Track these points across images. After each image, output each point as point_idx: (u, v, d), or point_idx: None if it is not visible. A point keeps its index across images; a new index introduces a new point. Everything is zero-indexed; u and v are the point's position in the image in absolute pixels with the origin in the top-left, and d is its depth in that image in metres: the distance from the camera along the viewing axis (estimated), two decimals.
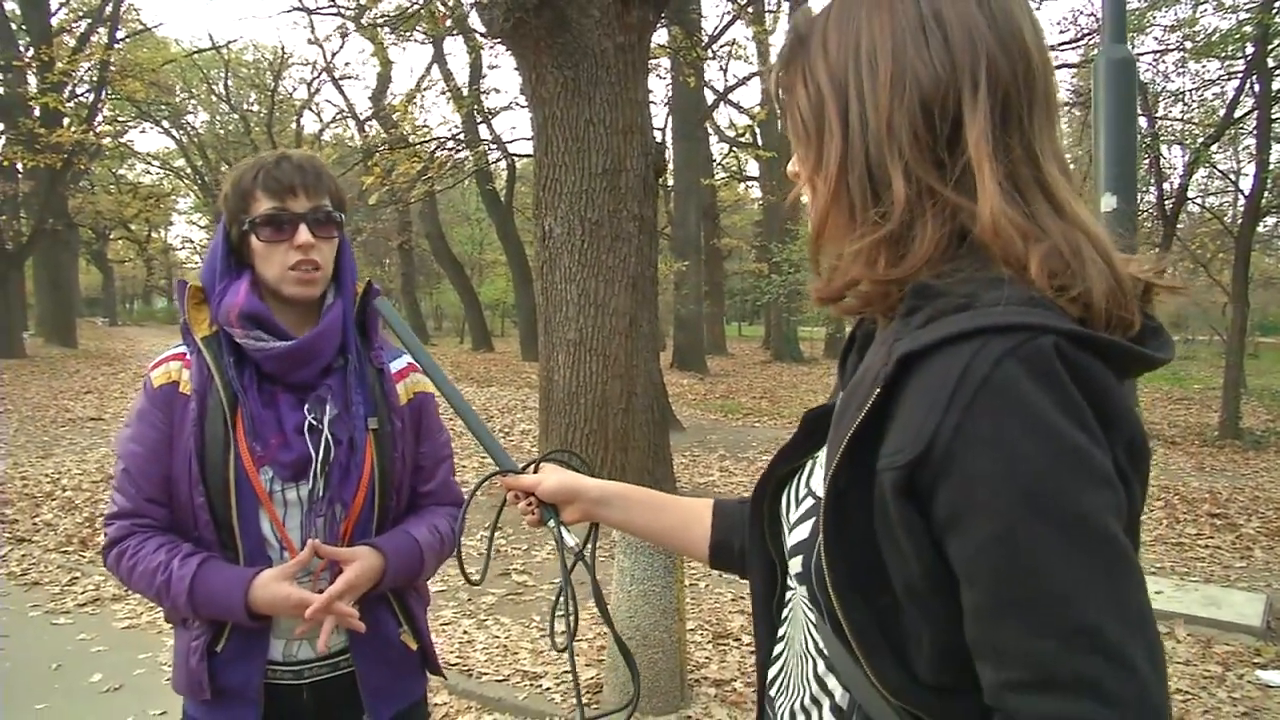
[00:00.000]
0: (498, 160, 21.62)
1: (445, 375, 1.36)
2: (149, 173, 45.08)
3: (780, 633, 0.99)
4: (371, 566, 1.56)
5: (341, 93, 48.38)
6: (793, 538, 0.88)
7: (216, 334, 1.58)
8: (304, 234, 1.56)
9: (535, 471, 1.28)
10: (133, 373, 18.63)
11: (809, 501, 0.88)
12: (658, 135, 7.66)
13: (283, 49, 54.84)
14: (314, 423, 1.57)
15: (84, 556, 5.96)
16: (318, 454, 1.56)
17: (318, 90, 48.15)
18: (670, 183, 21.13)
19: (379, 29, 14.95)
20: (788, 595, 0.98)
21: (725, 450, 10.09)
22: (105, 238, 42.60)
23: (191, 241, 55.09)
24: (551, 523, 1.24)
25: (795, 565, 0.87)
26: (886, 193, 0.79)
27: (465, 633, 4.50)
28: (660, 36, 11.50)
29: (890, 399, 0.74)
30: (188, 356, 1.60)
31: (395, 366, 1.72)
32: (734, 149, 30.43)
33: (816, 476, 0.90)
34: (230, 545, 1.54)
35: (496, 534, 6.95)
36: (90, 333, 32.74)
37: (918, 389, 0.72)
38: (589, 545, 1.26)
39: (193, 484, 1.53)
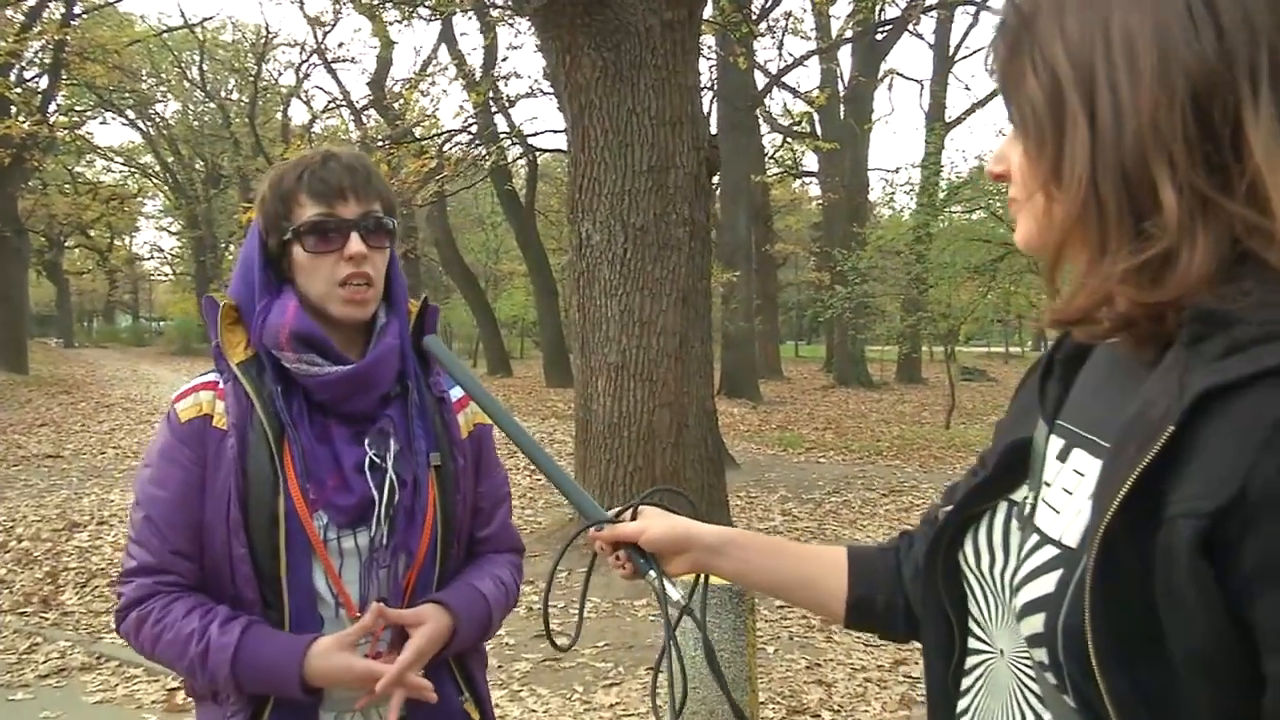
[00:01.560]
0: (519, 157, 21.89)
1: (517, 422, 1.40)
2: (111, 171, 45.97)
3: (964, 705, 0.98)
4: (441, 628, 1.59)
5: (335, 78, 49.36)
6: (1025, 594, 0.85)
7: (255, 358, 1.60)
8: (355, 243, 1.57)
9: (634, 517, 1.28)
10: (94, 402, 19.01)
11: (1047, 551, 0.85)
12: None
13: (266, 28, 56.07)
14: (376, 460, 1.59)
15: (46, 618, 5.91)
16: (382, 496, 1.57)
17: (307, 75, 49.01)
18: (715, 180, 21.24)
19: (379, 5, 15.25)
20: (971, 661, 0.97)
21: (787, 490, 10.10)
22: (60, 246, 43.38)
23: (161, 250, 56.21)
24: (652, 574, 1.25)
25: (1029, 626, 0.84)
26: (1147, 201, 0.78)
27: (497, 705, 4.55)
28: (705, 10, 11.62)
29: (1182, 438, 0.73)
30: (221, 385, 1.60)
31: (455, 394, 1.76)
32: (789, 140, 30.55)
33: (1050, 521, 0.87)
34: (274, 603, 1.55)
35: (525, 585, 7.01)
36: (43, 355, 33.39)
37: (1223, 428, 0.71)
38: (693, 596, 1.28)
39: (232, 532, 1.53)
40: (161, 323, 59.85)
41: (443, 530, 1.65)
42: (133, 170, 44.72)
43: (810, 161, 32.37)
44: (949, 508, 1.01)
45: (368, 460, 1.59)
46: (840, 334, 24.64)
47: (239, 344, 1.63)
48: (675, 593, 1.25)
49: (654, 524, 1.26)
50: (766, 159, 29.32)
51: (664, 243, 6.24)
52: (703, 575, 1.30)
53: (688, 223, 6.31)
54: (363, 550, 1.59)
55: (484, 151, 16.93)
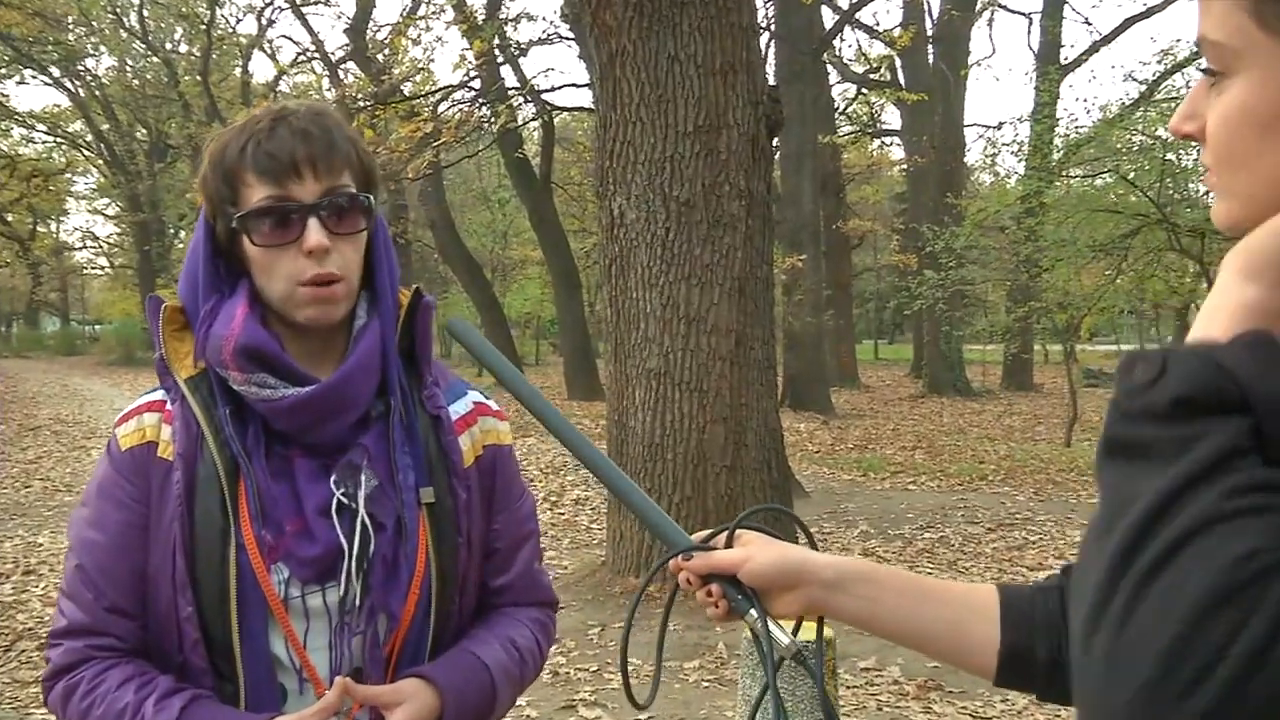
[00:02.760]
0: (533, 119, 21.98)
1: (570, 425, 1.41)
2: (32, 141, 46.58)
3: None
4: (423, 709, 1.56)
5: (306, 25, 49.40)
6: None
7: (204, 373, 1.60)
8: (315, 233, 1.54)
9: (729, 544, 1.28)
10: (16, 424, 19.28)
11: None
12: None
13: None
14: (344, 500, 1.57)
15: None
16: (352, 545, 1.56)
17: (272, 22, 49.52)
18: (776, 143, 21.24)
19: None
20: None
21: (869, 525, 10.10)
22: None
23: (96, 238, 56.84)
24: (753, 614, 1.24)
25: None
26: None
27: None
28: None
29: None
30: (168, 406, 1.60)
31: (457, 410, 1.74)
32: (865, 91, 30.51)
33: None
34: (228, 674, 1.54)
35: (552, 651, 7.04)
36: None
37: None
38: (808, 641, 1.27)
39: (177, 587, 1.53)
40: (97, 326, 60.37)
41: (438, 584, 1.63)
42: (59, 140, 45.32)
43: (892, 117, 32.33)
44: None
45: (334, 501, 1.57)
46: (931, 330, 24.50)
47: (187, 355, 1.62)
48: (784, 637, 1.25)
49: (759, 553, 1.25)
50: (837, 115, 29.30)
51: (715, 220, 6.28)
52: (818, 618, 1.29)
53: (743, 195, 6.34)
54: (333, 611, 1.57)
55: (489, 112, 17.01)
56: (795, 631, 1.29)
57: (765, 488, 6.52)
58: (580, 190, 29.65)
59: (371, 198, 1.63)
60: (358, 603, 1.56)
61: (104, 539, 1.57)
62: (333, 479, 1.58)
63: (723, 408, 6.32)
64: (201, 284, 1.61)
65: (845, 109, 31.71)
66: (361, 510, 1.57)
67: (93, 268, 61.56)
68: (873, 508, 11.10)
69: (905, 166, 28.69)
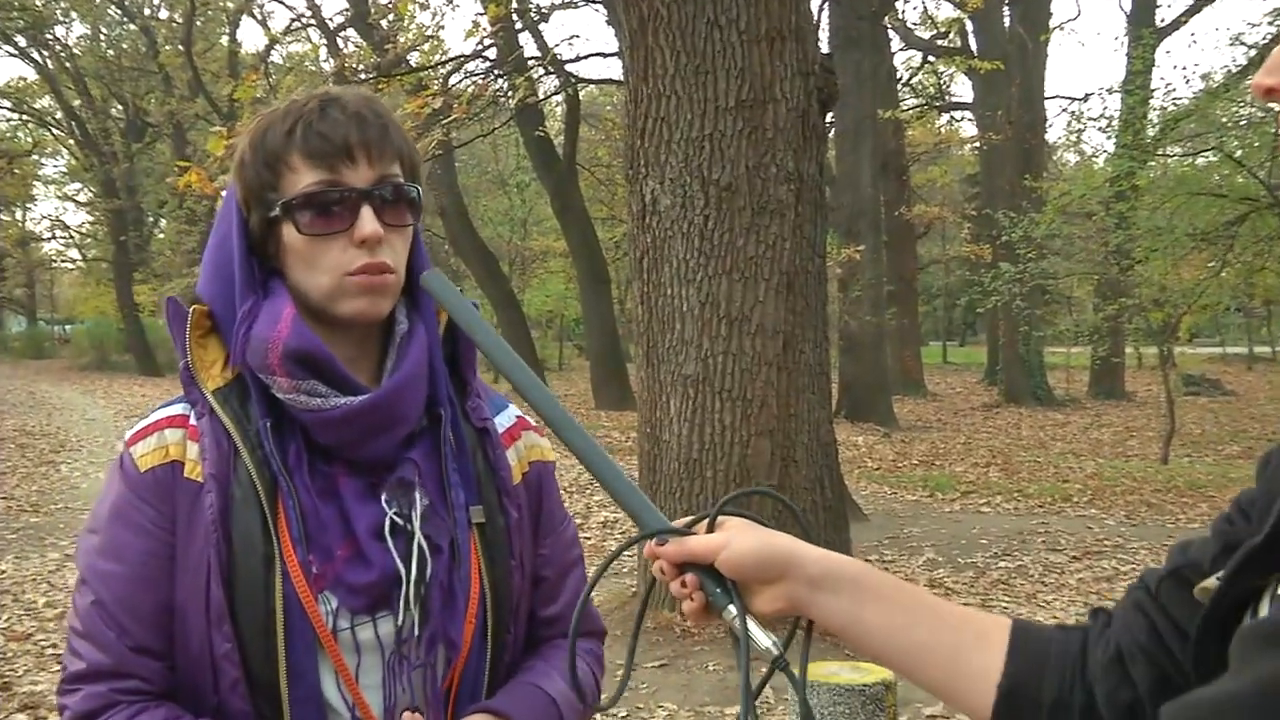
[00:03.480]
0: (555, 92, 22.01)
1: (543, 385, 1.41)
2: None
3: None
4: None
5: None
6: None
7: (236, 382, 1.63)
8: (368, 221, 1.58)
9: (711, 529, 1.28)
10: None
11: None
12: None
13: None
14: (398, 520, 1.60)
15: None
16: (409, 570, 1.59)
17: None
18: (830, 118, 21.18)
19: None
20: None
21: (936, 552, 10.07)
22: None
23: (66, 228, 57.31)
24: (732, 611, 1.24)
25: None
26: None
27: None
28: None
29: None
30: (193, 421, 1.62)
31: (501, 424, 1.79)
32: (931, 60, 30.42)
33: None
34: (271, 716, 1.56)
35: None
36: None
37: None
38: (788, 646, 1.25)
39: (213, 621, 1.54)
40: (67, 326, 60.91)
41: (493, 610, 1.67)
42: (25, 118, 45.77)
43: (962, 89, 32.22)
44: (1216, 578, 0.98)
45: (388, 522, 1.60)
46: (1008, 331, 24.40)
47: (215, 364, 1.64)
48: (765, 638, 1.22)
49: (739, 539, 1.24)
50: (900, 87, 29.23)
51: (760, 207, 6.28)
52: (808, 624, 1.28)
53: (792, 178, 6.33)
54: (387, 643, 1.60)
55: (505, 84, 17.06)
56: (790, 639, 1.27)
57: (817, 510, 6.52)
58: (609, 173, 29.67)
59: (421, 189, 1.68)
60: (416, 632, 1.59)
61: (124, 570, 1.58)
62: (384, 497, 1.60)
63: (769, 419, 6.32)
64: (239, 281, 1.63)
65: (909, 80, 31.64)
66: (418, 532, 1.60)
67: (63, 260, 61.98)
68: (940, 533, 11.07)
69: (978, 145, 28.57)
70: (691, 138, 6.29)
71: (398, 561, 1.59)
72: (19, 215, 57.78)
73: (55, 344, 56.22)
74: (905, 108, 28.71)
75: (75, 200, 54.92)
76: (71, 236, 57.47)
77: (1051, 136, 26.79)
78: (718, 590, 1.25)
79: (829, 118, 6.84)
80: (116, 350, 40.85)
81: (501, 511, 1.71)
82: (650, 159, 6.42)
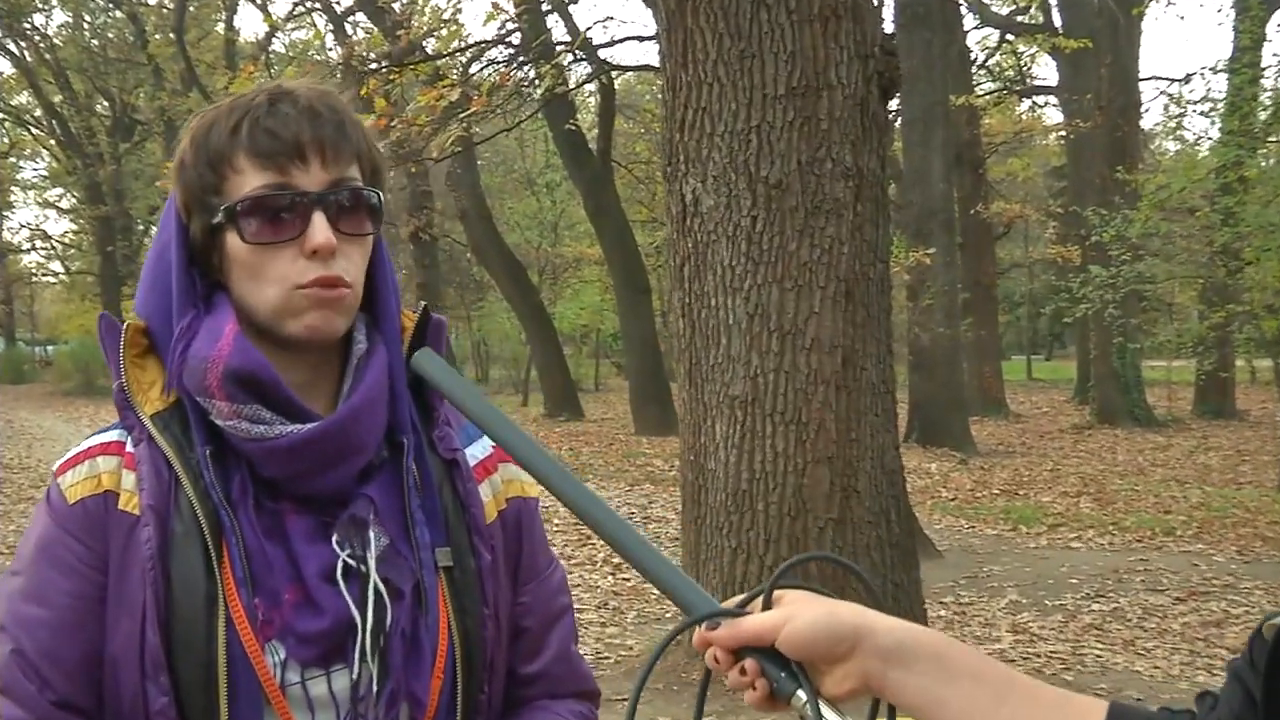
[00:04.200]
0: (586, 80, 22.03)
1: (571, 476, 1.40)
2: None
3: None
4: None
5: None
6: None
7: (176, 406, 1.62)
8: (320, 230, 1.57)
9: (768, 606, 1.27)
10: None
11: None
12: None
13: None
14: (351, 562, 1.60)
15: None
16: (364, 617, 1.58)
17: None
18: (894, 105, 21.12)
19: None
20: None
21: (1019, 593, 10.01)
22: None
23: (47, 238, 58.01)
24: (801, 697, 1.22)
25: None
26: None
27: None
28: None
29: None
30: (128, 448, 1.62)
31: (474, 455, 1.78)
32: (1010, 38, 30.33)
33: None
34: None
35: None
36: None
37: None
38: None
39: (148, 671, 1.53)
40: (49, 347, 61.48)
41: (463, 664, 1.66)
42: (1, 116, 46.27)
43: (1046, 71, 32.06)
44: None
45: (340, 564, 1.59)
46: (1100, 343, 24.25)
47: (153, 386, 1.65)
48: None
49: (800, 614, 1.22)
50: (975, 70, 29.15)
51: (814, 206, 6.27)
52: (890, 710, 1.25)
53: (851, 174, 6.32)
54: (342, 700, 1.59)
55: (532, 73, 17.12)
56: None
57: (883, 546, 6.48)
58: (648, 170, 29.79)
59: (383, 194, 1.68)
60: (375, 686, 1.57)
61: (48, 615, 1.57)
62: (334, 538, 1.59)
63: (827, 444, 6.29)
64: (176, 295, 1.63)
65: (985, 61, 31.57)
66: (373, 575, 1.59)
67: (44, 274, 62.60)
68: (1025, 571, 11.01)
69: (1063, 133, 28.45)
70: (736, 130, 6.29)
71: (352, 607, 1.58)
72: None
73: (36, 367, 56.74)
74: (981, 93, 28.66)
75: (57, 207, 55.48)
76: (53, 247, 58.08)
77: (1147, 123, 26.68)
78: (782, 674, 1.22)
79: (893, 105, 6.81)
80: (103, 374, 41.05)
81: (472, 553, 1.69)
82: (691, 154, 6.42)
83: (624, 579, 10.46)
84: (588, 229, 30.50)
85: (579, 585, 10.34)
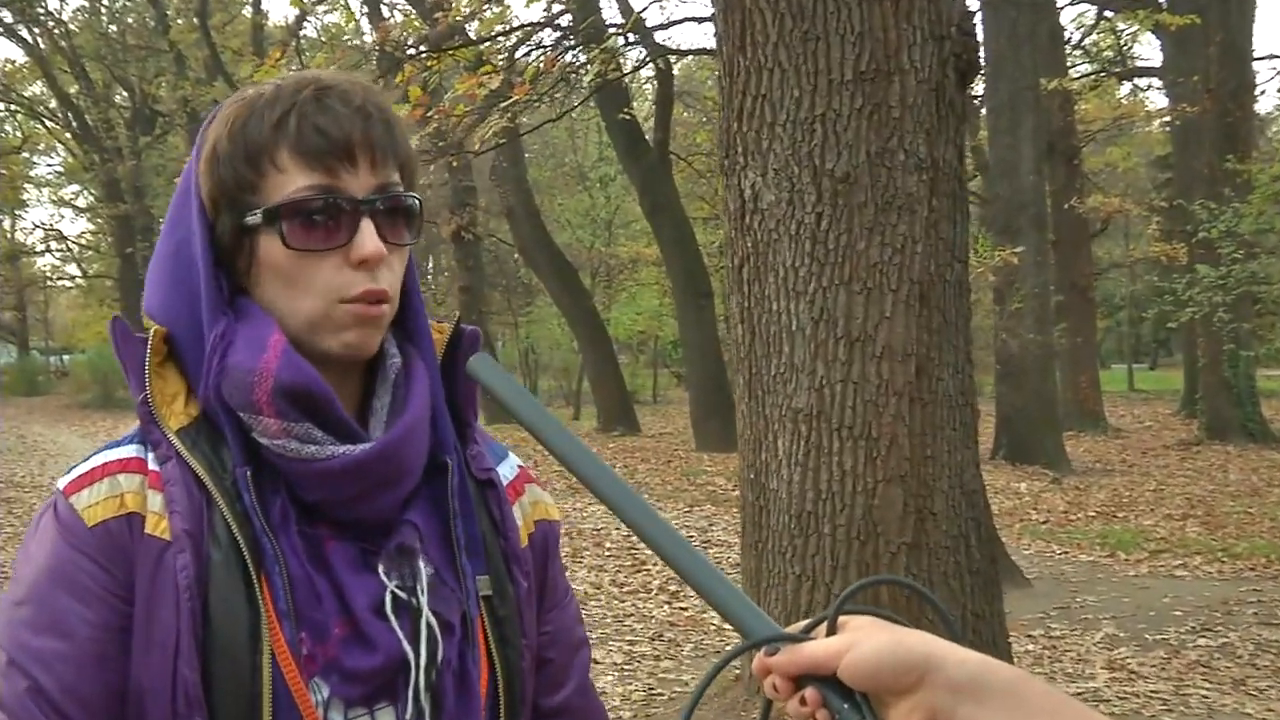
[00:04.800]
0: (641, 65, 22.05)
1: (625, 485, 1.41)
2: None
3: None
4: None
5: None
6: None
7: (201, 419, 1.62)
8: (370, 238, 1.59)
9: (832, 631, 1.28)
10: None
11: None
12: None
13: None
14: (400, 593, 1.61)
15: None
16: (418, 651, 1.60)
17: None
18: (979, 90, 21.05)
19: None
20: None
21: (1116, 626, 9.97)
22: None
23: (63, 238, 58.63)
24: None
25: None
26: None
27: None
28: None
29: None
30: (151, 465, 1.62)
31: (505, 474, 1.82)
32: (1107, 15, 30.12)
33: None
34: None
35: None
36: None
37: None
38: None
39: (181, 710, 1.52)
40: (65, 357, 62.11)
41: (505, 699, 1.69)
42: (13, 108, 46.83)
43: (1148, 51, 31.81)
44: None
45: (389, 596, 1.60)
46: (1210, 350, 24.04)
47: (176, 398, 1.65)
48: None
49: (865, 641, 1.23)
50: (1069, 50, 28.96)
51: (885, 202, 6.25)
52: None
53: (925, 166, 6.30)
54: None
55: (582, 58, 17.15)
56: None
57: (961, 573, 6.44)
58: (710, 163, 29.70)
59: (420, 202, 1.70)
60: None
61: (68, 647, 1.54)
62: (380, 568, 1.61)
63: (899, 462, 6.27)
64: (207, 299, 1.63)
65: (1080, 41, 31.37)
66: (426, 608, 1.61)
67: (59, 278, 63.25)
68: (1123, 602, 10.97)
69: (1168, 119, 28.23)
70: (800, 119, 6.28)
71: (405, 644, 1.59)
72: (7, 225, 59.12)
73: (51, 377, 57.31)
74: (1075, 76, 28.47)
75: (73, 205, 56.10)
76: (69, 249, 58.68)
77: (1262, 107, 26.39)
78: (845, 706, 1.22)
79: (977, 90, 6.77)
80: (123, 384, 41.50)
81: (511, 580, 1.72)
82: (750, 146, 6.42)
83: (680, 608, 10.48)
84: (644, 227, 30.53)
85: (632, 615, 10.38)
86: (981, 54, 20.02)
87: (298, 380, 1.57)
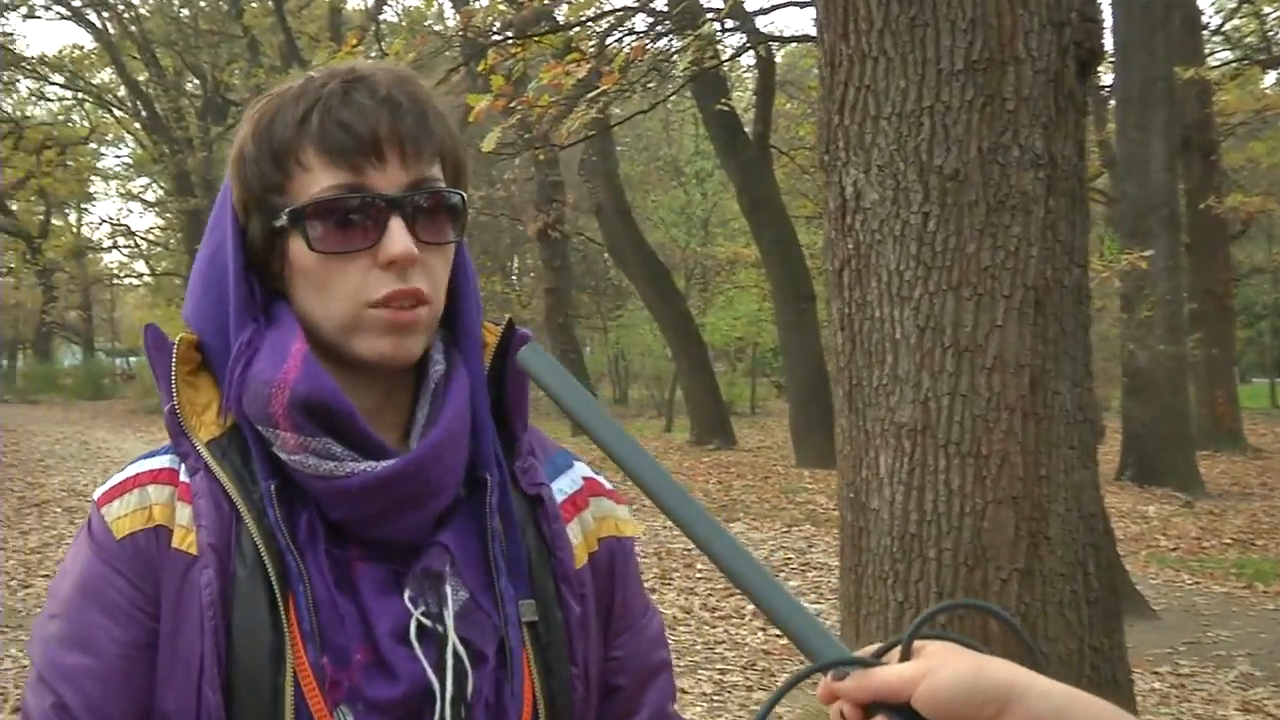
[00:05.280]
0: (740, 52, 22.09)
1: (684, 493, 1.40)
2: (44, 99, 48.88)
3: None
4: None
5: None
6: None
7: (233, 431, 1.66)
8: (399, 237, 1.60)
9: (906, 656, 1.28)
10: (16, 497, 20.20)
11: None
12: None
13: None
14: (425, 620, 1.62)
15: None
16: (443, 682, 1.60)
17: None
18: (1108, 81, 20.85)
19: None
20: None
21: (1253, 664, 9.87)
22: None
23: (131, 234, 59.42)
24: None
25: None
26: None
27: None
28: None
29: None
30: (182, 477, 1.66)
31: (562, 489, 1.81)
32: None
33: None
34: None
35: None
36: None
37: None
38: None
39: None
40: (131, 359, 62.80)
41: None
42: (80, 96, 47.51)
43: None
44: None
45: (413, 623, 1.61)
46: None
47: (208, 408, 1.68)
48: None
49: (941, 668, 1.22)
50: (1207, 36, 28.65)
51: (997, 201, 6.22)
52: None
53: (1041, 163, 6.26)
54: None
55: (676, 44, 17.18)
56: None
57: (1079, 603, 6.38)
58: (813, 157, 29.63)
59: (465, 196, 1.70)
60: None
61: (95, 664, 1.58)
62: (406, 593, 1.62)
63: (1011, 482, 6.23)
64: (234, 306, 1.65)
65: (1220, 27, 31.01)
66: (452, 636, 1.61)
67: (126, 275, 64.05)
68: (1260, 638, 10.85)
69: None
70: (906, 112, 6.26)
71: (429, 673, 1.59)
72: (73, 219, 59.91)
73: (116, 381, 57.97)
74: (1214, 64, 28.15)
75: (141, 199, 56.91)
76: (137, 245, 59.44)
77: None
78: None
79: (1106, 80, 6.71)
80: None
81: (560, 604, 1.71)
82: (852, 140, 6.40)
83: (775, 635, 10.46)
84: (743, 226, 30.51)
85: (724, 642, 10.39)
86: (1109, 41, 19.61)
87: (314, 392, 1.58)
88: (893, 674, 1.23)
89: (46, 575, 13.82)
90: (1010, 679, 1.20)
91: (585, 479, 1.84)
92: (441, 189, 1.65)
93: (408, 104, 1.63)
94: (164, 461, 1.67)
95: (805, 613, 1.32)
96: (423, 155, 1.63)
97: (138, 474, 1.67)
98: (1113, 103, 20.47)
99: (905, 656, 1.26)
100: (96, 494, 1.68)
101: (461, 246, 1.74)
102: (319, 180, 1.60)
